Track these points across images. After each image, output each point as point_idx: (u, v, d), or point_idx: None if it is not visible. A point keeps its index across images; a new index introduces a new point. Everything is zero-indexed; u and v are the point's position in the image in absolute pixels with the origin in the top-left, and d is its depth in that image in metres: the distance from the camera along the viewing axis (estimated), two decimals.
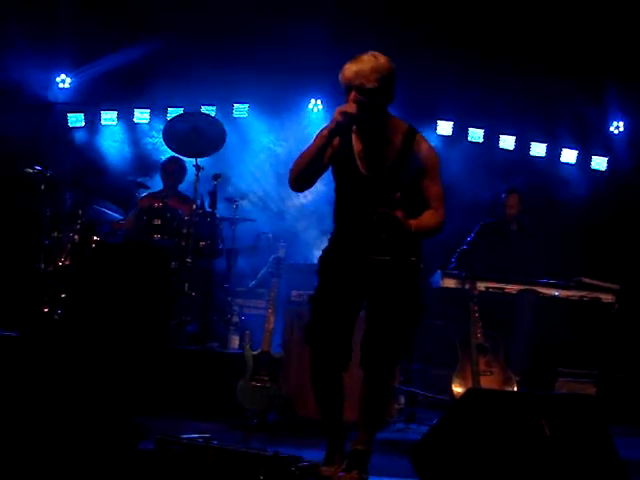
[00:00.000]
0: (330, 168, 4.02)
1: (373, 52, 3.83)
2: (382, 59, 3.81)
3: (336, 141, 3.90)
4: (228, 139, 7.13)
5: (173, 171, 7.36)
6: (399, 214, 3.74)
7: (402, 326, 3.91)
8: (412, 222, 3.80)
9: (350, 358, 4.02)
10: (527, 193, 7.51)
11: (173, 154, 7.31)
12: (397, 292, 3.91)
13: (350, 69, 3.77)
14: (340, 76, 3.81)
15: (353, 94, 3.75)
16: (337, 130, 3.78)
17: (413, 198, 3.91)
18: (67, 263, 6.47)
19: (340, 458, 4.01)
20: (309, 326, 4.06)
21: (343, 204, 4.05)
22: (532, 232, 7.23)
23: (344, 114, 3.73)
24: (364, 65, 3.76)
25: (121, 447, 2.13)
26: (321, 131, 3.88)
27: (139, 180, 7.34)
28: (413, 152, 3.89)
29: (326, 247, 4.11)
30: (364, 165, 3.92)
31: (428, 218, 3.91)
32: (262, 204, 8.07)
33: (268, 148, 8.55)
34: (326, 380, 4.05)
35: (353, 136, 3.94)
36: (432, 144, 4.06)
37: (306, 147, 3.93)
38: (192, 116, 7.21)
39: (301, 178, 3.94)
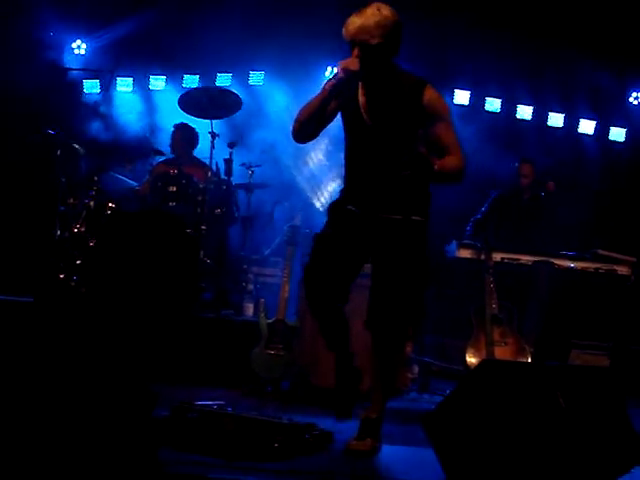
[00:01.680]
0: (341, 121, 4.03)
1: (378, 4, 3.79)
2: (386, 11, 3.77)
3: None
4: (244, 106, 7.14)
5: (180, 137, 7.34)
6: (423, 150, 3.75)
7: (408, 286, 3.91)
8: (435, 161, 3.78)
9: (346, 300, 4.02)
10: (544, 164, 7.47)
11: (181, 122, 7.33)
12: (403, 252, 3.90)
13: (354, 24, 3.74)
14: (343, 30, 3.79)
15: (357, 50, 3.74)
16: (339, 86, 3.79)
17: (422, 148, 3.90)
18: (82, 229, 6.47)
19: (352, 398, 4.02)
20: (307, 266, 4.07)
21: (351, 156, 4.05)
22: (545, 201, 7.20)
23: (346, 70, 3.73)
24: (368, 20, 3.73)
25: (136, 413, 2.14)
26: (326, 83, 3.89)
27: (155, 147, 7.34)
28: (420, 101, 3.84)
29: (337, 197, 4.12)
30: (368, 115, 3.91)
31: (450, 161, 3.88)
32: (278, 172, 8.04)
33: (284, 116, 8.51)
34: (323, 316, 4.05)
35: (360, 86, 3.92)
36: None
37: (310, 98, 3.93)
38: (208, 88, 7.20)
39: (303, 129, 3.95)
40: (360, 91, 3.95)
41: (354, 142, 4.03)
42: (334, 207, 4.10)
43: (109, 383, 2.29)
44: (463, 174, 3.93)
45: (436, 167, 3.76)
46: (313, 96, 3.92)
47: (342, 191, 4.13)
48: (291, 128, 3.98)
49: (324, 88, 3.86)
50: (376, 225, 3.95)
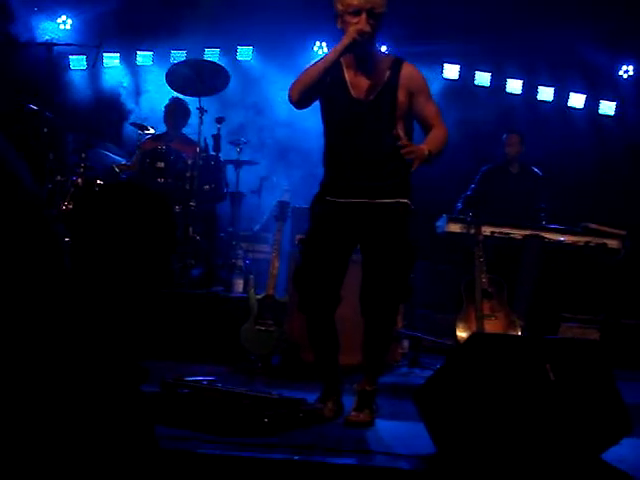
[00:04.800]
0: (320, 108, 4.10)
1: None
2: None
3: None
4: (232, 82, 7.11)
5: (175, 112, 7.29)
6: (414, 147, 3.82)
7: (397, 269, 3.96)
8: (424, 147, 3.85)
9: (338, 302, 4.08)
10: (534, 138, 7.46)
11: (175, 95, 7.27)
12: (390, 235, 3.96)
13: None
14: (347, 1, 3.86)
15: (364, 17, 3.83)
16: (352, 46, 3.87)
17: (406, 123, 4.02)
18: (70, 207, 6.42)
19: (335, 400, 4.07)
20: (297, 270, 4.14)
21: (333, 142, 4.09)
22: (535, 175, 7.19)
23: (362, 32, 3.83)
24: None
25: (125, 389, 2.12)
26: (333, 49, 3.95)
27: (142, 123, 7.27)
28: (401, 76, 3.99)
29: (317, 191, 4.15)
30: (355, 91, 3.99)
31: (435, 137, 3.98)
32: (265, 148, 8.00)
33: (272, 91, 8.45)
34: (316, 322, 4.10)
35: (344, 65, 4.01)
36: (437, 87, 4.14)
37: (313, 63, 4.02)
38: (195, 62, 7.15)
39: (307, 91, 3.96)
40: (345, 69, 4.02)
41: (337, 124, 4.06)
42: (316, 202, 4.14)
43: (96, 360, 2.27)
44: (447, 143, 4.03)
45: (426, 153, 3.82)
46: (315, 61, 4.02)
47: (322, 183, 4.14)
48: (290, 92, 3.99)
49: (334, 49, 3.92)
50: (364, 211, 3.99)
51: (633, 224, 6.52)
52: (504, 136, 7.22)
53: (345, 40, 3.86)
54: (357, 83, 4.00)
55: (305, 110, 4.16)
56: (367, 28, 3.84)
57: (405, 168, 3.97)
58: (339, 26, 3.96)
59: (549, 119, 8.76)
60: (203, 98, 6.87)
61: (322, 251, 4.03)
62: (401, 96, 3.97)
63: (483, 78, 8.71)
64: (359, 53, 3.96)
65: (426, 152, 3.82)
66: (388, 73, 3.99)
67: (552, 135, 8.53)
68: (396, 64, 4.02)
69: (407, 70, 4.02)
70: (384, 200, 3.98)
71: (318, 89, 3.98)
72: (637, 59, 8.73)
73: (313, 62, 4.04)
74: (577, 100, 8.79)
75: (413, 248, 4.04)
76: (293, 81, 4.00)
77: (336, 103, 4.04)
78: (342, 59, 3.96)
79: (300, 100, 4.00)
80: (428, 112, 4.03)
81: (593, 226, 6.32)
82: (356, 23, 3.84)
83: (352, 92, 3.99)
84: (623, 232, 6.28)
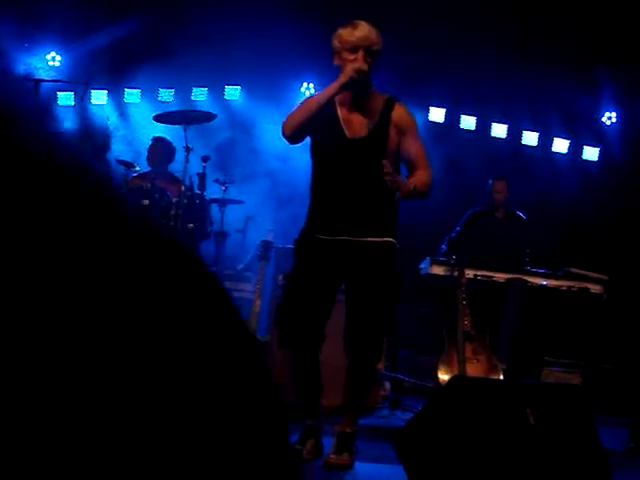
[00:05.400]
0: (310, 143, 4.11)
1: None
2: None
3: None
4: (219, 121, 7.13)
5: (158, 151, 7.27)
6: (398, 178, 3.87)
7: (382, 306, 3.95)
8: (411, 181, 3.91)
9: (322, 340, 4.05)
10: (518, 182, 7.50)
11: (157, 135, 7.28)
12: (375, 274, 3.95)
13: (362, 31, 3.89)
14: (345, 37, 3.91)
15: (362, 54, 3.86)
16: (349, 84, 3.88)
17: (395, 161, 4.02)
18: None
19: (315, 442, 4.03)
20: (281, 305, 4.12)
21: (322, 179, 4.08)
22: (519, 220, 7.22)
23: (359, 71, 3.84)
24: (371, 30, 3.91)
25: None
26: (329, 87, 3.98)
27: (127, 160, 7.26)
28: (393, 115, 4.02)
29: (303, 227, 4.14)
30: (348, 129, 4.00)
31: (420, 176, 3.99)
32: (251, 187, 8.01)
33: (259, 131, 8.49)
34: (298, 358, 4.08)
35: (337, 103, 4.02)
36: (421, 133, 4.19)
37: (306, 100, 4.09)
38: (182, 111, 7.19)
39: (300, 126, 3.97)
40: (338, 106, 4.03)
41: (328, 161, 4.07)
42: (302, 238, 4.12)
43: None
44: (431, 189, 4.06)
45: (411, 187, 3.86)
46: (309, 97, 4.10)
47: (308, 220, 4.13)
48: (284, 127, 4.01)
49: (330, 87, 3.93)
50: (350, 250, 3.97)
51: (616, 269, 6.54)
52: (490, 182, 7.22)
53: (342, 79, 3.86)
54: (350, 121, 4.01)
55: (292, 150, 4.18)
56: (364, 66, 3.86)
57: (392, 206, 4.00)
58: (336, 63, 3.97)
59: (533, 163, 8.82)
60: (190, 137, 6.86)
61: (307, 287, 4.01)
62: (392, 135, 4.00)
63: (468, 122, 8.79)
64: (354, 91, 3.97)
65: (411, 187, 3.86)
66: (380, 112, 4.01)
67: (536, 179, 8.58)
68: (389, 103, 4.05)
69: (398, 110, 4.04)
70: (370, 239, 3.98)
71: (312, 125, 3.99)
72: (620, 106, 8.83)
73: (307, 97, 4.10)
74: (561, 145, 8.87)
75: (398, 284, 4.06)
76: (287, 116, 4.02)
77: (328, 140, 4.04)
78: (336, 96, 3.98)
79: (293, 135, 4.01)
80: (414, 152, 4.03)
81: (576, 271, 6.34)
82: (353, 60, 3.87)
83: (345, 130, 4.00)
84: (605, 277, 6.30)
